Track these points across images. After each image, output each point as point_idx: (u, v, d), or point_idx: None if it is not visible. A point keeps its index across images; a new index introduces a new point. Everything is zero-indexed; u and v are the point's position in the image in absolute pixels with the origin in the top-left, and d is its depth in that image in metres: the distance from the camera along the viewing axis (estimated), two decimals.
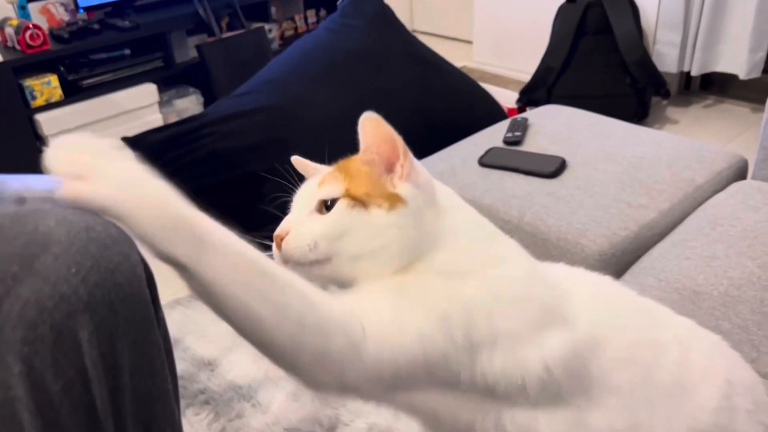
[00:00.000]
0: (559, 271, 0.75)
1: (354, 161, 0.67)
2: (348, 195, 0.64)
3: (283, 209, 0.71)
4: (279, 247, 0.65)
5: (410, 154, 0.66)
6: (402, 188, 0.65)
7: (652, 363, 0.69)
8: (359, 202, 0.63)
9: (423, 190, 0.66)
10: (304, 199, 0.68)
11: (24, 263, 0.54)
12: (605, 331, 0.68)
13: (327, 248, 0.63)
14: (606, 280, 0.77)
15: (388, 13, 2.12)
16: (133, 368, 0.59)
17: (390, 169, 0.66)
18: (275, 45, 3.26)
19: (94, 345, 0.55)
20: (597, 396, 0.65)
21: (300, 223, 0.65)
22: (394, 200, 0.63)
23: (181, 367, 1.55)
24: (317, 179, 0.69)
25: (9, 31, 2.50)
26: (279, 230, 0.66)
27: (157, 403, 0.62)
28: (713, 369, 0.71)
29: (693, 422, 0.67)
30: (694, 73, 2.66)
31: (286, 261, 0.65)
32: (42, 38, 2.47)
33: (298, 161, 0.77)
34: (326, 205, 0.65)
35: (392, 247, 0.63)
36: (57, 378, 0.54)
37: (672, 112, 2.80)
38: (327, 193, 0.65)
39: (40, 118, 2.52)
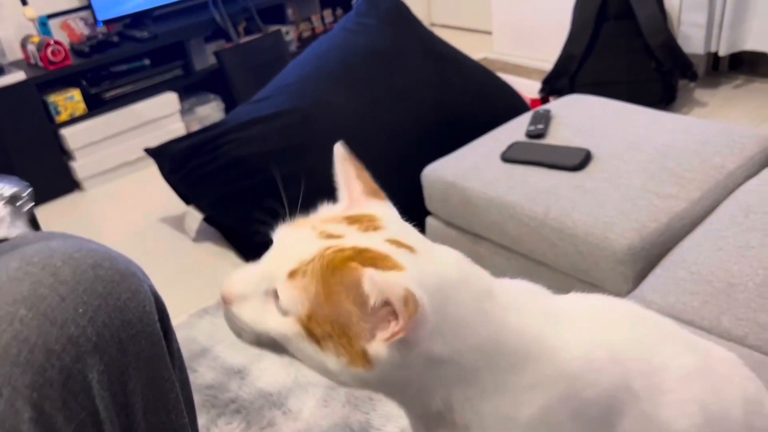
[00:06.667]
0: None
1: (350, 281, 0.50)
2: (303, 326, 0.52)
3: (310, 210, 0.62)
4: (224, 303, 0.58)
5: (421, 325, 0.50)
6: (377, 349, 0.51)
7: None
8: (314, 338, 0.52)
9: (410, 361, 0.52)
10: (286, 250, 0.55)
11: (31, 306, 0.54)
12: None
13: (267, 346, 0.57)
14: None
15: (403, 10, 2.10)
16: (146, 406, 0.58)
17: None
18: (293, 47, 3.26)
19: (105, 385, 0.55)
20: None
21: (250, 304, 0.57)
22: (357, 357, 0.51)
23: (211, 376, 1.55)
24: (314, 245, 0.54)
25: (31, 48, 2.54)
26: (226, 287, 0.57)
27: None
28: (738, 387, 0.67)
29: None
30: (722, 53, 2.58)
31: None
32: (63, 54, 2.50)
33: (342, 155, 0.63)
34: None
35: (344, 386, 0.55)
36: (68, 421, 0.54)
37: (700, 94, 2.73)
38: (285, 299, 0.53)
39: (65, 132, 2.56)
